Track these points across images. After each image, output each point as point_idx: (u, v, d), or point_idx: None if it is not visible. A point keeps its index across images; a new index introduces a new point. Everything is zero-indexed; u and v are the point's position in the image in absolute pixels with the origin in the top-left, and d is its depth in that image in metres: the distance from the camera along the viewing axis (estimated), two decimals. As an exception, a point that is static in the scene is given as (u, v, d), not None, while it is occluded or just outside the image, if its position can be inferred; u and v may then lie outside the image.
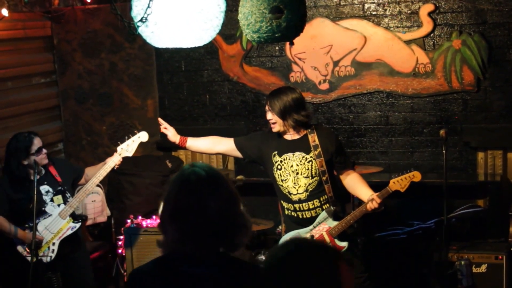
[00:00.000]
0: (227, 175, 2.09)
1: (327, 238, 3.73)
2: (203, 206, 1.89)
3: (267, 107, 3.84)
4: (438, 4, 5.30)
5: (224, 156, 6.02)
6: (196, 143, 4.10)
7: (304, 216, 3.81)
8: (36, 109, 6.13)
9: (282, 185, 3.82)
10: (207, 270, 1.89)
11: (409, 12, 5.39)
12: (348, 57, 5.57)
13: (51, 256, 4.25)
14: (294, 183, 3.77)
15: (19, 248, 4.20)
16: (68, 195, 4.38)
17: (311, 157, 3.74)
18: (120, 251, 5.34)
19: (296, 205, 3.80)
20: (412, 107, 5.50)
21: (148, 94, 6.24)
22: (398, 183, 3.70)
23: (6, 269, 4.39)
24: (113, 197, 5.85)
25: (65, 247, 4.31)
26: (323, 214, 3.75)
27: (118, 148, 4.57)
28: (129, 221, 5.17)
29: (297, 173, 3.75)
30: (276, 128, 3.79)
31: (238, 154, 4.02)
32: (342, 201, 3.91)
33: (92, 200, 5.62)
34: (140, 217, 5.11)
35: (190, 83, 6.07)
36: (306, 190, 3.76)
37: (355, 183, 3.85)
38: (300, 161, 3.75)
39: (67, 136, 6.54)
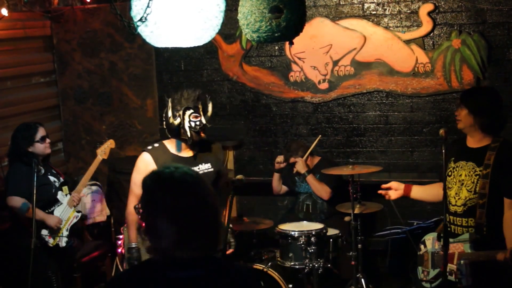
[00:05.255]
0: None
1: (455, 260, 3.49)
2: (204, 206, 1.87)
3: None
4: (437, 3, 5.30)
5: (224, 154, 6.03)
6: (422, 193, 3.90)
7: (456, 232, 3.57)
8: (35, 109, 6.13)
9: (446, 192, 3.58)
10: (194, 273, 1.85)
11: (408, 11, 5.39)
12: (347, 57, 5.57)
13: (66, 241, 4.63)
14: (456, 193, 3.56)
15: (43, 231, 4.51)
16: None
17: (480, 171, 3.47)
18: (119, 250, 5.34)
19: (451, 217, 3.59)
20: (412, 106, 5.50)
21: (147, 93, 6.25)
22: None
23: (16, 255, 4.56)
24: (112, 196, 5.86)
25: None
26: (466, 235, 3.50)
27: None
28: (128, 220, 5.16)
29: (462, 184, 3.53)
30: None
31: None
32: (494, 234, 3.47)
33: (92, 200, 5.63)
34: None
35: (190, 82, 6.07)
36: (464, 205, 3.52)
37: (507, 223, 3.42)
38: (469, 172, 3.52)
39: (66, 136, 6.54)
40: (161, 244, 1.85)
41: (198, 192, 1.88)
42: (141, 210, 1.91)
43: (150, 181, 1.91)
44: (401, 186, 3.94)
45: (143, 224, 1.91)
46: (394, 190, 3.95)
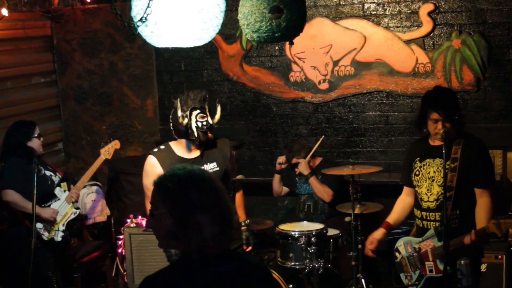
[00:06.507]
0: None
1: (430, 257, 3.57)
2: (227, 199, 1.97)
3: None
4: (438, 3, 5.30)
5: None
6: (397, 217, 3.93)
7: (429, 227, 3.62)
8: (35, 109, 6.13)
9: (417, 191, 3.68)
10: (230, 266, 1.92)
11: (409, 11, 5.39)
12: (347, 57, 5.57)
13: (62, 235, 4.68)
14: (428, 190, 3.61)
15: (38, 225, 4.54)
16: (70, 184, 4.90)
17: (448, 165, 3.51)
18: (120, 250, 5.34)
19: (424, 213, 3.63)
20: (412, 106, 5.50)
21: (148, 94, 6.25)
22: (496, 226, 3.27)
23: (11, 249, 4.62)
24: (113, 196, 5.86)
25: None
26: (431, 231, 3.58)
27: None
28: (129, 220, 5.17)
29: (433, 180, 3.58)
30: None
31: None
32: (463, 224, 3.56)
33: (92, 200, 5.64)
34: (140, 217, 5.11)
35: (190, 82, 6.07)
36: (437, 200, 3.56)
37: (477, 209, 3.53)
38: (438, 168, 3.58)
39: (66, 136, 6.54)
40: (204, 236, 1.89)
41: (220, 186, 1.97)
42: (162, 212, 1.91)
43: (173, 183, 1.92)
44: (378, 233, 3.91)
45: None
46: (377, 240, 3.92)
